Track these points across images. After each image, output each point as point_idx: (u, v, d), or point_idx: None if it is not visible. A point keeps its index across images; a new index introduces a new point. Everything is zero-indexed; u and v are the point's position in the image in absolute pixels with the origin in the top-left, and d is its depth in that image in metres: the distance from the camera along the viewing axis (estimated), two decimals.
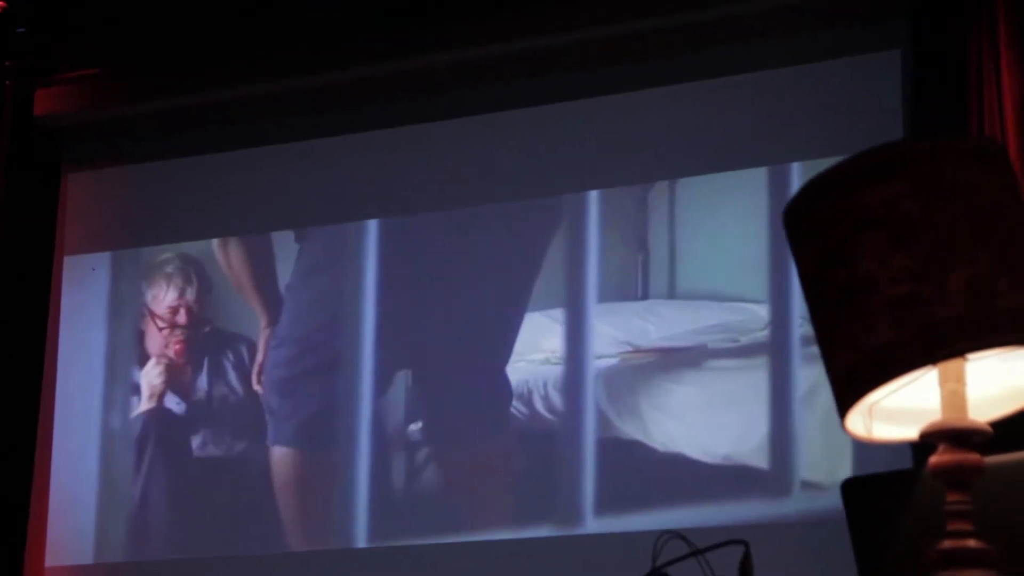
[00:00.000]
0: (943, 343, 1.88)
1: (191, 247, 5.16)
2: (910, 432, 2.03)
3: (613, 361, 4.66)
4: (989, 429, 1.97)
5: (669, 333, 4.63)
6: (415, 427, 4.81)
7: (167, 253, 5.18)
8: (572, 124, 4.74)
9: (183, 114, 5.18)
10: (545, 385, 4.69)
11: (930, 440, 1.98)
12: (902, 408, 2.04)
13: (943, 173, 1.93)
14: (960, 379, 1.97)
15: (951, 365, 1.96)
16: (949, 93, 4.09)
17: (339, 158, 5.00)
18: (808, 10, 4.50)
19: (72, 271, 5.23)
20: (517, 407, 4.69)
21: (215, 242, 5.13)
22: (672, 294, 4.66)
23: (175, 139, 5.21)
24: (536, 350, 4.72)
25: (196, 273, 5.14)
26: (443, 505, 4.72)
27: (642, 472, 4.55)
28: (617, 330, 4.68)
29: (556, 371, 4.69)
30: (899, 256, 1.90)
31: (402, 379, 4.85)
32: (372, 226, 4.97)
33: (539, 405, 4.68)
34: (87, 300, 5.21)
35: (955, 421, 1.96)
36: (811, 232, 1.99)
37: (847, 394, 1.96)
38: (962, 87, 4.07)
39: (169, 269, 5.17)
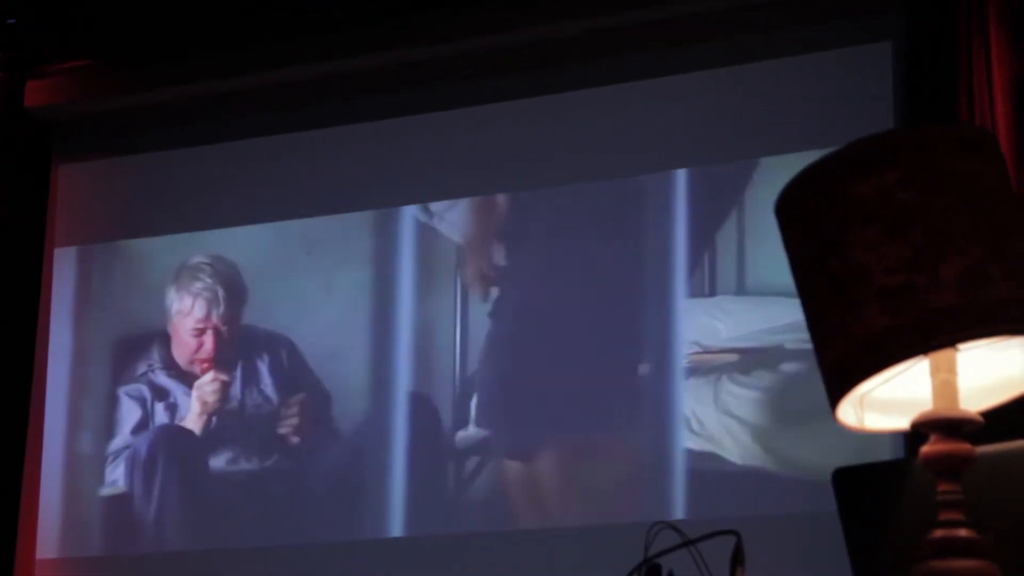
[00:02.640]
0: (936, 333, 1.88)
1: (221, 248, 5.07)
2: (901, 422, 2.03)
3: (681, 363, 4.42)
4: (980, 419, 1.97)
5: (740, 332, 4.34)
6: (465, 431, 4.64)
7: (199, 257, 5.08)
8: (559, 116, 4.71)
9: (175, 106, 5.17)
10: (616, 386, 4.47)
11: (921, 430, 1.98)
12: (893, 398, 2.04)
13: (937, 162, 1.93)
14: (951, 369, 1.97)
15: (942, 355, 1.96)
16: (940, 85, 4.10)
17: (338, 149, 4.97)
18: (800, 2, 4.50)
19: (62, 263, 5.22)
20: (582, 408, 4.49)
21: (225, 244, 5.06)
22: (741, 290, 4.41)
23: (167, 131, 5.20)
24: (608, 346, 4.51)
25: (227, 276, 5.04)
26: (499, 505, 4.57)
27: (719, 487, 4.28)
28: (684, 328, 4.43)
29: (628, 370, 4.48)
30: (892, 246, 1.90)
31: (452, 378, 4.69)
32: (406, 213, 4.82)
33: (606, 408, 4.46)
34: (77, 292, 5.19)
35: (946, 411, 1.96)
36: (803, 222, 1.99)
37: (838, 384, 1.96)
38: (953, 79, 4.08)
39: (199, 275, 5.08)
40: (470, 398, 4.67)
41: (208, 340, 5.01)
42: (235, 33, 5.00)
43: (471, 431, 4.62)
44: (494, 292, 4.70)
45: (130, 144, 5.25)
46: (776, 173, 4.39)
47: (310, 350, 4.88)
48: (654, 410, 4.44)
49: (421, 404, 4.70)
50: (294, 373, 4.89)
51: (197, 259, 5.08)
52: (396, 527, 4.65)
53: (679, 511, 4.32)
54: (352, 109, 4.98)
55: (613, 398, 4.49)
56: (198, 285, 5.07)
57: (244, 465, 4.87)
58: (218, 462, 4.90)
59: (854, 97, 4.34)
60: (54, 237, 5.24)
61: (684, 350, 4.43)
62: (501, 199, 4.74)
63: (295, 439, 4.83)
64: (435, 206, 4.80)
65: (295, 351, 4.89)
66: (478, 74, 4.83)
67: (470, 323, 4.70)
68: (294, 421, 4.84)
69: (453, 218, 4.76)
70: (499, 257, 4.72)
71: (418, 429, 4.68)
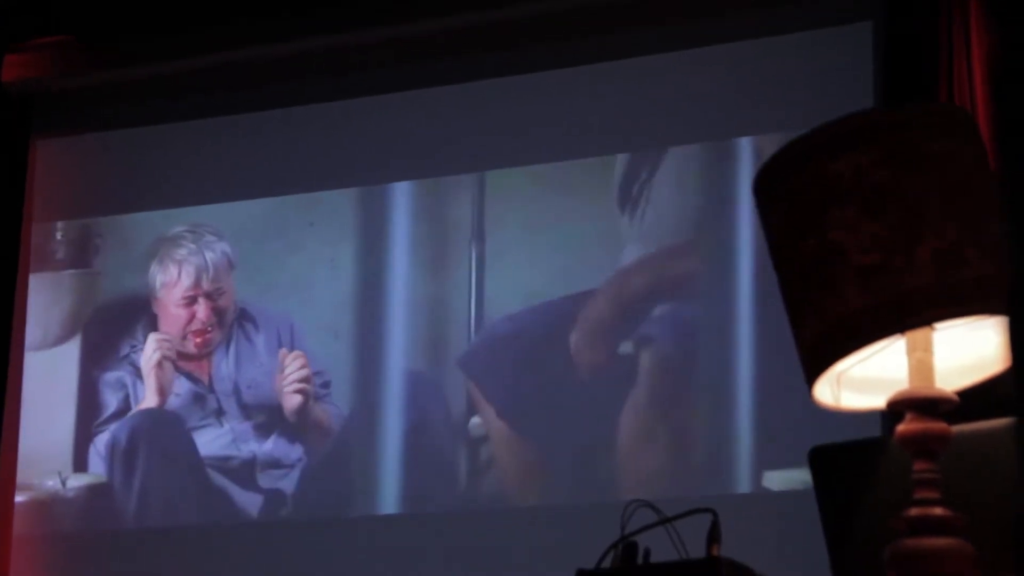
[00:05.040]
0: (912, 311, 1.89)
1: (207, 217, 4.95)
2: (878, 401, 2.04)
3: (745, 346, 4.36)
4: (956, 398, 1.98)
5: None
6: (485, 414, 4.53)
7: (179, 227, 4.96)
8: (544, 94, 4.70)
9: (154, 81, 5.14)
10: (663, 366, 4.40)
11: (897, 409, 1.99)
12: (870, 377, 2.05)
13: (913, 142, 1.94)
14: (927, 348, 1.98)
15: (918, 334, 1.97)
16: (920, 65, 4.10)
17: (318, 125, 4.93)
18: None
19: (40, 238, 5.19)
20: (600, 393, 4.43)
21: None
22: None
23: (146, 106, 5.17)
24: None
25: (214, 247, 4.92)
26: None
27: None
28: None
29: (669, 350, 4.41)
30: (869, 225, 1.91)
31: (442, 354, 4.61)
32: (398, 189, 4.72)
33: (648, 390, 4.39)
34: (56, 269, 5.16)
35: (922, 390, 1.97)
36: (781, 201, 1.99)
37: (815, 363, 1.97)
38: (933, 59, 4.08)
39: (182, 242, 4.95)
40: (490, 377, 4.58)
41: (201, 308, 4.88)
42: (215, 8, 4.97)
43: (490, 414, 4.57)
44: (513, 269, 4.65)
45: (109, 120, 5.22)
46: (755, 153, 4.41)
47: (308, 329, 4.77)
48: (691, 398, 4.39)
49: (433, 384, 4.62)
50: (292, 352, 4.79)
51: (177, 229, 4.98)
52: (453, 502, 4.57)
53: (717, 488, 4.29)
54: (339, 85, 4.95)
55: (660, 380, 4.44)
56: (182, 252, 4.94)
57: (238, 449, 4.76)
58: (209, 445, 4.79)
59: (834, 77, 4.34)
60: (32, 213, 5.21)
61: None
62: (514, 173, 4.68)
63: (293, 420, 4.77)
64: (447, 180, 4.73)
65: (292, 330, 4.79)
66: (466, 50, 4.81)
67: (486, 300, 4.66)
68: (293, 401, 4.77)
69: (464, 195, 4.70)
70: (517, 234, 4.67)
71: (432, 410, 4.61)
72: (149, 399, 4.89)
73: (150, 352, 4.90)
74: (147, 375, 4.90)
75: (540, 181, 4.64)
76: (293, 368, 4.76)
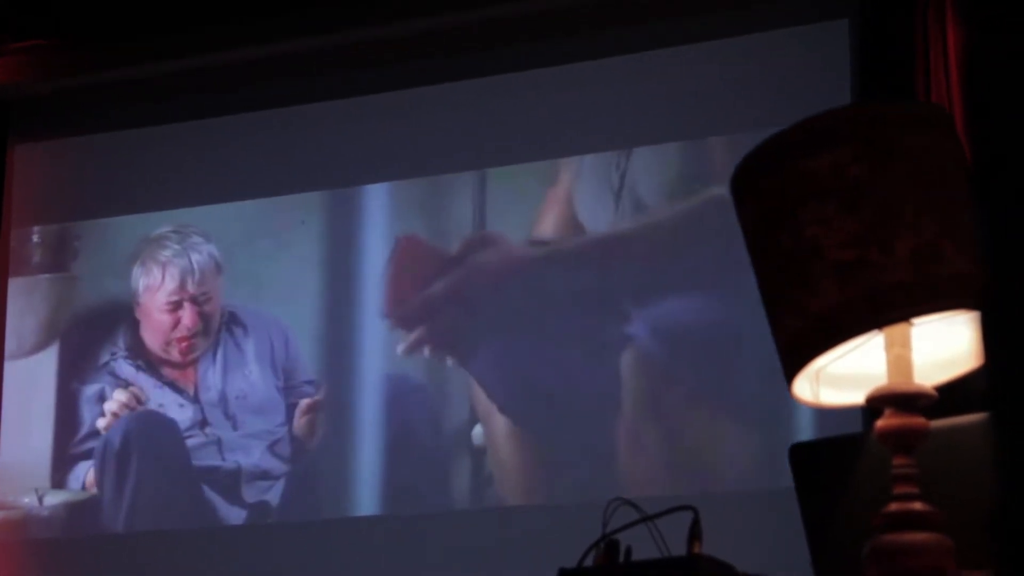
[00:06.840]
0: (889, 308, 1.90)
1: (191, 219, 4.89)
2: (856, 397, 2.05)
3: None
4: (934, 393, 1.99)
5: None
6: (493, 418, 4.50)
7: (163, 227, 4.87)
8: (528, 94, 4.70)
9: (133, 84, 5.14)
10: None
11: (876, 404, 1.99)
12: (848, 373, 2.05)
13: (890, 138, 1.94)
14: (905, 344, 1.98)
15: (896, 330, 1.97)
16: (896, 60, 4.11)
17: (301, 128, 4.91)
18: None
19: (18, 243, 5.17)
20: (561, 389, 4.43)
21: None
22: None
23: (125, 110, 5.16)
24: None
25: (201, 249, 4.82)
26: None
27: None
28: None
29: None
30: (846, 221, 1.92)
31: (441, 356, 4.56)
32: (373, 191, 4.68)
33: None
34: (35, 275, 5.13)
35: (900, 385, 1.98)
36: (757, 197, 2.00)
37: (794, 359, 1.97)
38: (909, 55, 4.09)
39: (166, 243, 4.85)
40: (492, 369, 4.53)
41: (186, 313, 4.75)
42: (198, 10, 4.97)
43: (492, 409, 4.53)
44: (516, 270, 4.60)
45: (89, 123, 5.21)
46: (733, 151, 4.41)
47: (302, 335, 4.68)
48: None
49: (428, 386, 4.57)
50: (282, 359, 4.68)
51: (161, 229, 4.88)
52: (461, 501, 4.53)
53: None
54: (329, 84, 4.93)
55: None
56: (166, 253, 4.82)
57: (223, 460, 4.66)
58: (193, 457, 4.70)
59: (811, 75, 4.35)
60: (11, 218, 5.19)
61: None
62: (515, 170, 4.66)
63: (299, 433, 4.66)
64: (446, 178, 4.67)
65: (286, 336, 4.69)
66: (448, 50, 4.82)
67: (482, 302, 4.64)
68: (283, 412, 4.68)
69: (464, 192, 4.66)
70: (518, 232, 4.65)
71: (425, 412, 4.55)
72: (157, 413, 4.78)
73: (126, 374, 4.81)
74: (168, 393, 4.77)
75: (541, 178, 4.64)
76: (306, 383, 4.67)
